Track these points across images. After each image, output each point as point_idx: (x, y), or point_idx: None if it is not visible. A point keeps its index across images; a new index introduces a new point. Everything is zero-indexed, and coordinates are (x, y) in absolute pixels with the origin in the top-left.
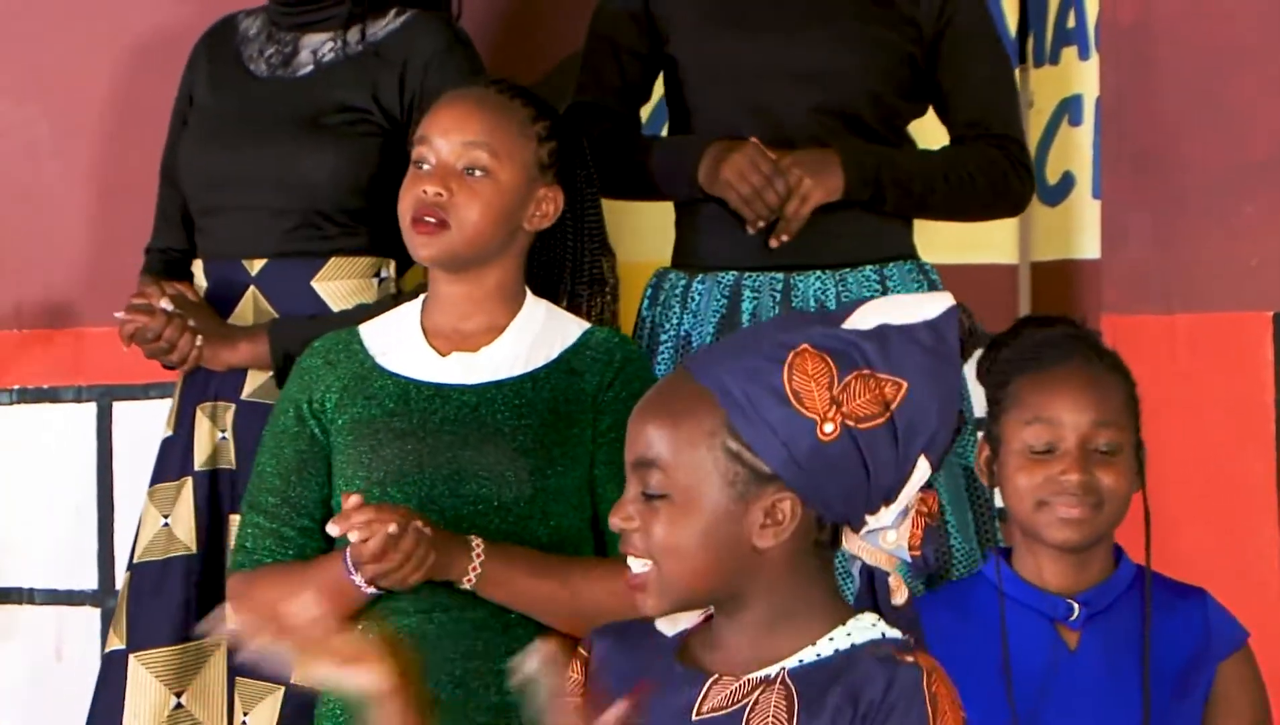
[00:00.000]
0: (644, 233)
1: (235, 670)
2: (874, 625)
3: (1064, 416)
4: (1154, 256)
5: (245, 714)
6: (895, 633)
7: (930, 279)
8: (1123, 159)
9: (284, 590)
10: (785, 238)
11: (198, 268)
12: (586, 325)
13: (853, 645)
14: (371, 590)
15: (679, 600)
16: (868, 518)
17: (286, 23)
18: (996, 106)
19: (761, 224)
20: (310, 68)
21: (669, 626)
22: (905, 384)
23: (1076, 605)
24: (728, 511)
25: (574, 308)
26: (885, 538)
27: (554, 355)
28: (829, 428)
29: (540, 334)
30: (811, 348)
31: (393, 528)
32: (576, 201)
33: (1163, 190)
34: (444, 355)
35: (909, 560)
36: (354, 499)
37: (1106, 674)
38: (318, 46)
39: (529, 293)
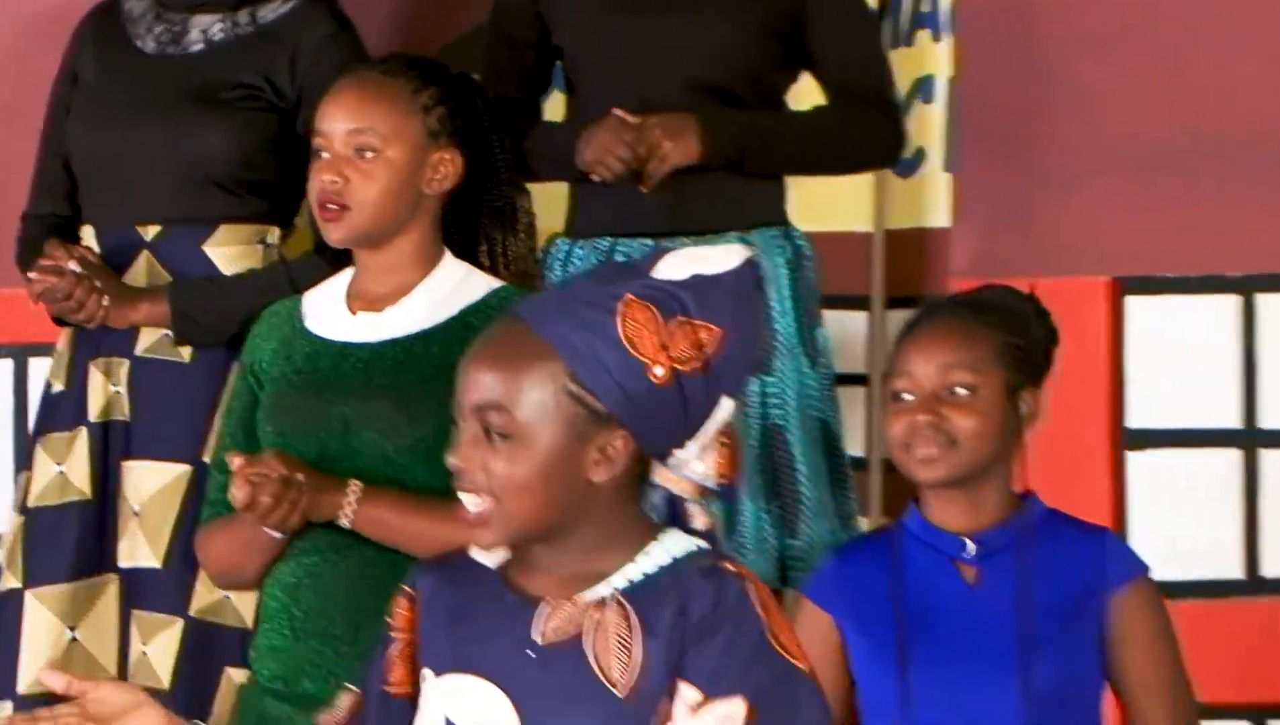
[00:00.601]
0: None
1: (132, 603)
2: (683, 538)
3: (916, 366)
4: (1002, 226)
5: (144, 645)
6: (704, 543)
7: (796, 245)
8: (977, 135)
9: (227, 541)
10: (645, 190)
11: (89, 233)
12: (497, 285)
13: (674, 559)
14: (277, 534)
15: (517, 533)
16: (675, 452)
17: (176, 3)
18: (865, 69)
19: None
20: (201, 46)
21: (487, 557)
22: (718, 330)
23: (970, 543)
24: (566, 449)
25: (491, 251)
26: (693, 468)
27: (454, 312)
28: (659, 371)
29: (449, 293)
30: (636, 297)
31: (238, 462)
32: (479, 154)
33: (1013, 164)
34: (355, 315)
35: (714, 488)
36: (237, 461)
37: (1005, 608)
38: (207, 26)
39: (447, 254)
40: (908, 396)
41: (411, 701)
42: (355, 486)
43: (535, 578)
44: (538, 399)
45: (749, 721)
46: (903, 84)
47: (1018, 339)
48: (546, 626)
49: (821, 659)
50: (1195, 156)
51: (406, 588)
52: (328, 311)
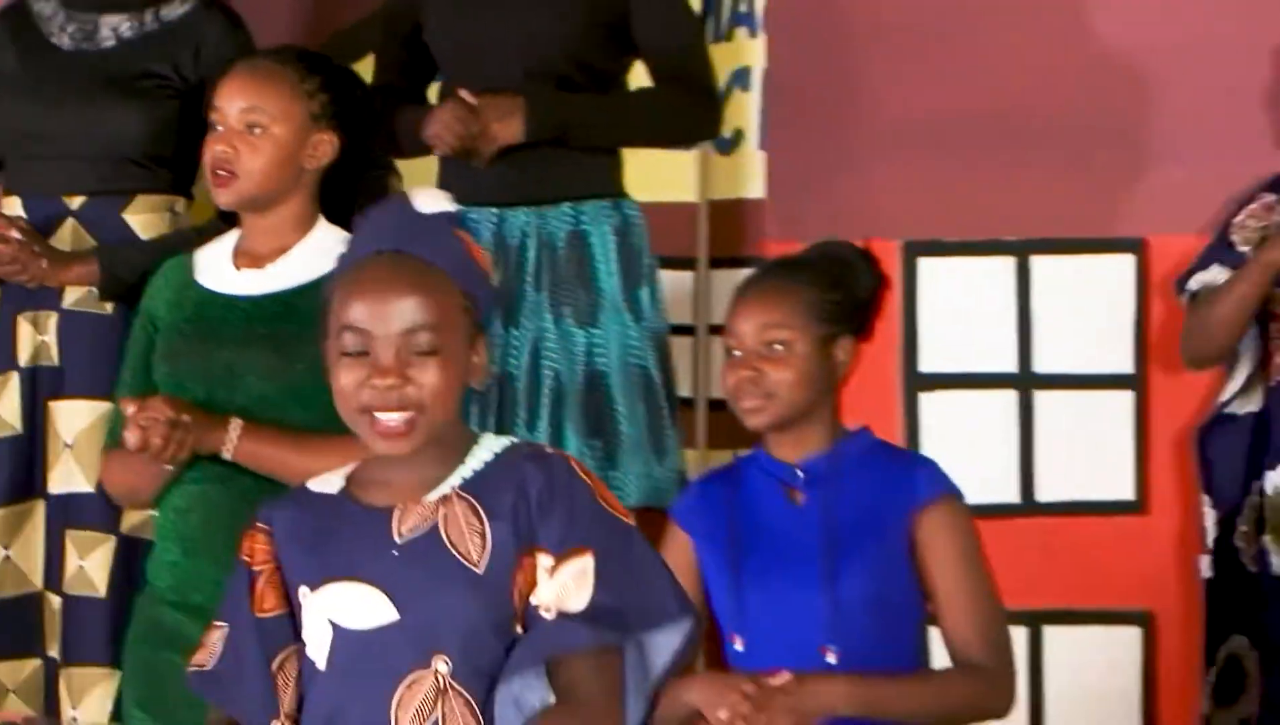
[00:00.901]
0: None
1: (68, 524)
2: (497, 438)
3: (739, 325)
4: (808, 196)
5: (81, 560)
6: (514, 438)
7: (624, 214)
8: (786, 118)
9: (124, 469)
10: (478, 163)
11: (15, 203)
12: None
13: (496, 454)
14: (169, 467)
15: (431, 436)
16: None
17: (84, 4)
18: (684, 57)
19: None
20: (113, 41)
21: (326, 486)
22: (479, 251)
23: (799, 471)
24: (466, 357)
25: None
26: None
27: (326, 270)
28: (493, 280)
29: (322, 254)
30: (456, 226)
31: (130, 409)
32: (355, 136)
33: (817, 143)
34: (239, 270)
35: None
36: (129, 408)
37: (817, 526)
38: (116, 25)
39: (322, 221)
40: (735, 353)
41: (288, 618)
42: (236, 424)
43: (380, 492)
44: (450, 317)
45: (597, 569)
46: (722, 74)
47: (832, 295)
48: (403, 527)
49: (681, 573)
50: (975, 134)
51: (259, 524)
52: (216, 267)
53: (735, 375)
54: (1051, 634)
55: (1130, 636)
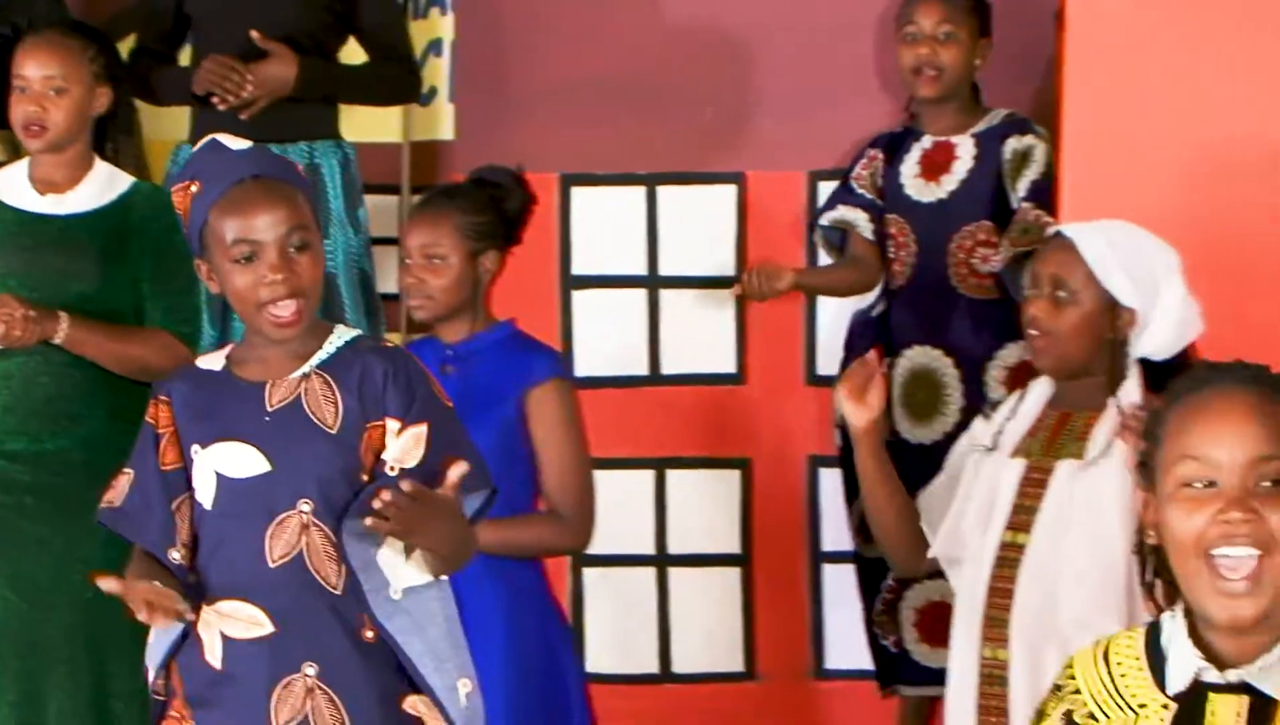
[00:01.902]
0: (161, 117)
1: None
2: (348, 330)
3: (409, 241)
4: (487, 139)
5: None
6: (361, 331)
7: (344, 151)
8: (469, 78)
9: None
10: (244, 116)
11: None
12: (132, 180)
13: (347, 342)
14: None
15: (309, 320)
16: None
17: None
18: (394, 38)
19: (229, 102)
20: None
21: (211, 363)
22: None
23: (450, 351)
24: (323, 256)
25: (116, 150)
26: None
27: (115, 197)
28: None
29: (106, 184)
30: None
31: None
32: (117, 91)
33: (494, 96)
34: (43, 195)
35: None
36: None
37: (462, 391)
38: None
39: (97, 157)
40: (406, 261)
41: (184, 472)
42: (65, 317)
43: (255, 369)
44: (311, 222)
45: (430, 437)
46: (420, 45)
47: (480, 217)
48: (273, 398)
49: None
50: (616, 89)
51: (160, 396)
52: (19, 191)
53: (404, 280)
54: (672, 476)
55: (733, 477)
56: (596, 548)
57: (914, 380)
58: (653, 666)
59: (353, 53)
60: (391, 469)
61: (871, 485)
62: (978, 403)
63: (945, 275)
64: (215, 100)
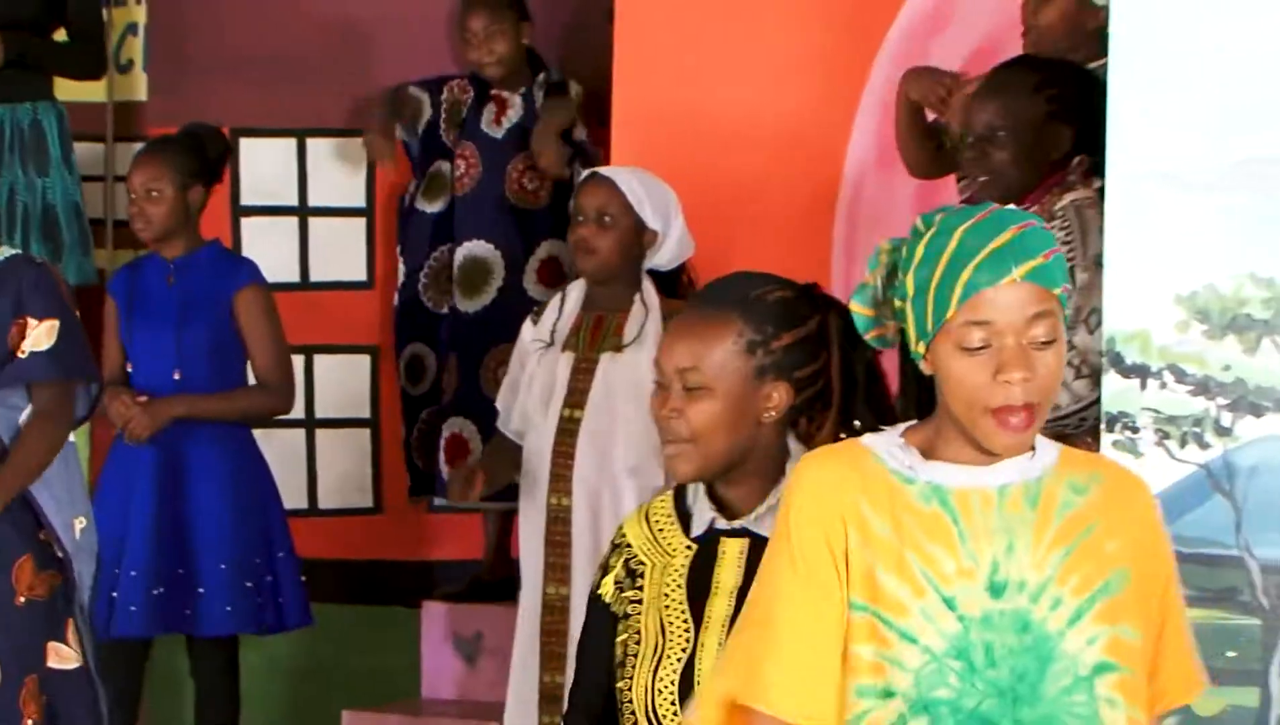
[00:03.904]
0: None
1: None
2: (10, 249)
3: (130, 181)
4: (175, 98)
5: None
6: (16, 250)
7: (59, 110)
8: (162, 50)
9: None
10: None
11: None
12: None
13: (6, 259)
14: None
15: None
16: None
17: None
18: (89, 23)
19: None
20: None
21: None
22: None
23: (172, 264)
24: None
25: None
26: None
27: None
28: None
29: None
30: None
31: None
32: None
33: (181, 67)
34: None
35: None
36: None
37: (180, 299)
38: None
39: None
40: (132, 196)
41: None
42: None
43: None
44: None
45: (60, 331)
46: (120, 27)
47: (186, 160)
48: None
49: (111, 330)
50: (283, 59)
51: None
52: None
53: (130, 210)
54: (318, 359)
55: (365, 360)
56: None
57: (470, 265)
58: (303, 503)
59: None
60: (23, 353)
61: None
62: (517, 285)
63: (502, 190)
64: None
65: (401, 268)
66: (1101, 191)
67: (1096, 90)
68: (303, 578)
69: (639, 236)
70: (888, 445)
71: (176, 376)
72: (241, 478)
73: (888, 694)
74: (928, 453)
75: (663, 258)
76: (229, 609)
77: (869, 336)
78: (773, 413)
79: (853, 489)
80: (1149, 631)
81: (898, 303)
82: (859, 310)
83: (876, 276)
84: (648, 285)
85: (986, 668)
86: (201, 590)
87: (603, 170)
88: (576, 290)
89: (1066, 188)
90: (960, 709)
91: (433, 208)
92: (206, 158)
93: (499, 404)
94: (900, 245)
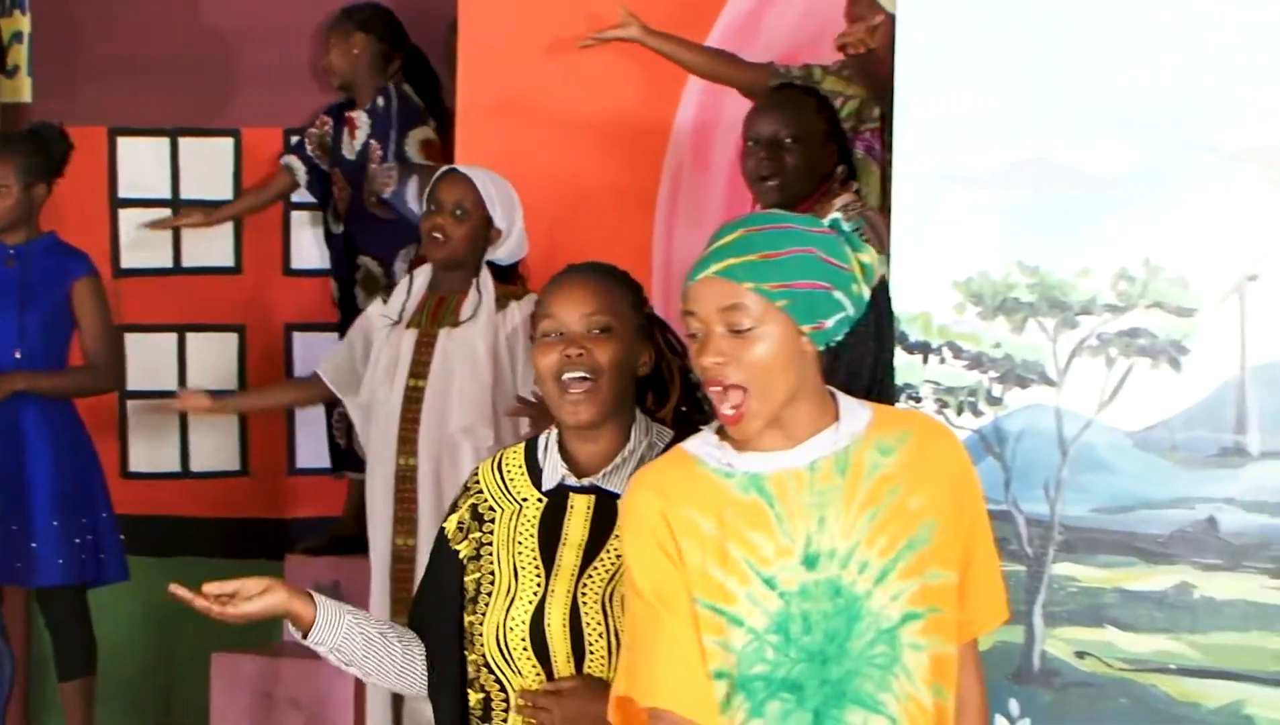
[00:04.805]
0: None
1: None
2: None
3: None
4: (56, 99)
5: None
6: None
7: None
8: (46, 56)
9: None
10: None
11: None
12: None
13: None
14: None
15: None
16: None
17: None
18: None
19: None
20: None
21: None
22: None
23: (11, 251)
24: None
25: None
26: None
27: None
28: None
29: None
30: None
31: None
32: None
33: (67, 70)
34: None
35: None
36: None
37: (22, 280)
38: None
39: None
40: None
41: None
42: None
43: None
44: None
45: None
46: (7, 34)
47: (30, 158)
48: None
49: None
50: (146, 65)
51: None
52: None
53: None
54: (191, 338)
55: (233, 338)
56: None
57: (366, 274)
58: (177, 467)
59: None
60: None
61: None
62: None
63: (364, 206)
64: None
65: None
66: (859, 195)
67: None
68: (121, 536)
69: (486, 231)
70: (704, 445)
71: (18, 355)
72: (70, 445)
73: (717, 676)
74: (742, 445)
75: (502, 253)
76: (60, 562)
77: None
78: (644, 370)
79: (677, 500)
80: (959, 568)
81: None
82: None
83: None
84: (485, 273)
85: (803, 635)
86: (35, 545)
87: (461, 168)
88: (423, 274)
89: (834, 195)
90: (773, 680)
91: (338, 229)
92: (51, 156)
93: (325, 362)
94: None
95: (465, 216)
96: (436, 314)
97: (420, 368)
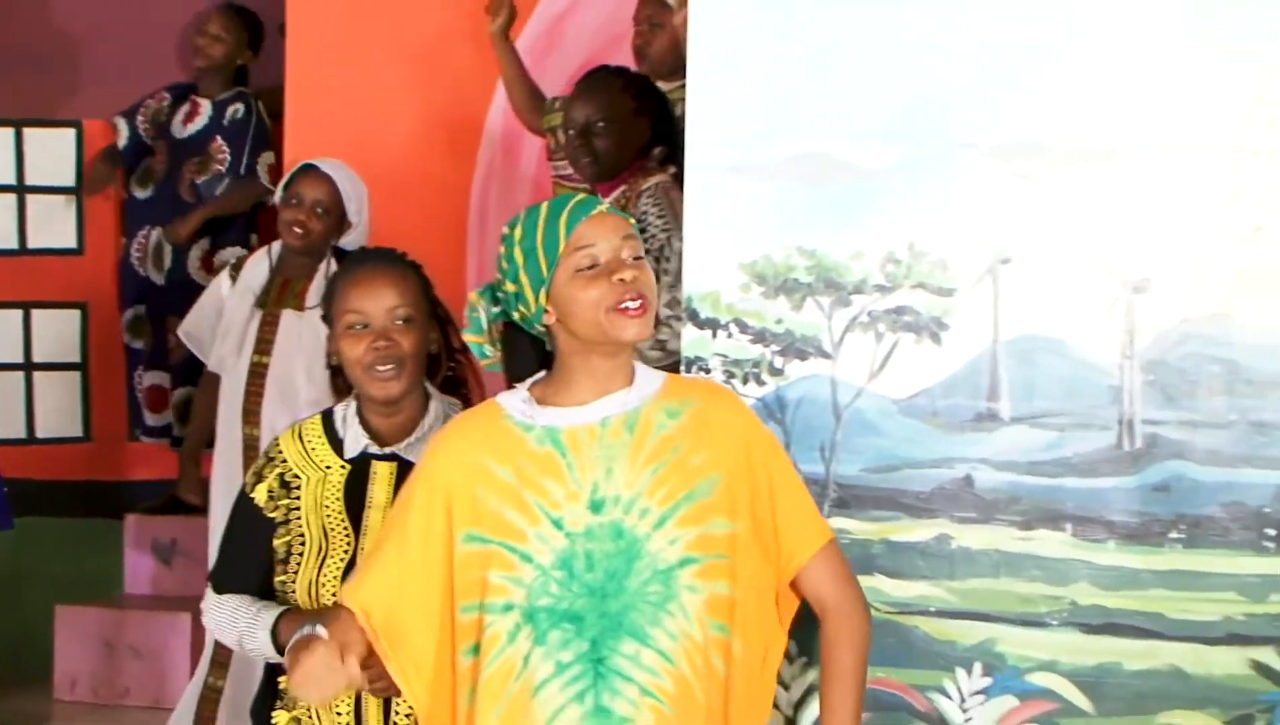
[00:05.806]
0: None
1: None
2: None
3: None
4: None
5: None
6: None
7: None
8: None
9: None
10: None
11: None
12: None
13: None
14: None
15: None
16: None
17: None
18: None
19: None
20: None
21: None
22: None
23: None
24: None
25: None
26: None
27: None
28: None
29: None
30: None
31: None
32: None
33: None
34: None
35: None
36: None
37: None
38: None
39: None
40: None
41: None
42: None
43: None
44: None
45: None
46: None
47: None
48: None
49: None
50: (75, 51)
51: None
52: None
53: None
54: (36, 314)
55: (76, 314)
56: None
57: (158, 246)
58: (23, 433)
59: None
60: None
61: None
62: (182, 267)
63: (177, 188)
64: None
65: (123, 241)
66: (677, 177)
67: (660, 95)
68: (4, 488)
69: (340, 225)
70: (514, 400)
71: None
72: None
73: (507, 608)
74: (544, 401)
75: (348, 241)
76: None
77: (486, 362)
78: (434, 347)
79: (478, 450)
80: (752, 519)
81: (509, 287)
82: (474, 340)
83: (481, 307)
84: (332, 261)
85: (586, 572)
86: None
87: (320, 164)
88: (271, 257)
89: (649, 172)
90: (556, 611)
91: (143, 194)
92: None
93: (185, 325)
94: (489, 288)
95: (325, 214)
96: (281, 296)
97: (264, 345)
